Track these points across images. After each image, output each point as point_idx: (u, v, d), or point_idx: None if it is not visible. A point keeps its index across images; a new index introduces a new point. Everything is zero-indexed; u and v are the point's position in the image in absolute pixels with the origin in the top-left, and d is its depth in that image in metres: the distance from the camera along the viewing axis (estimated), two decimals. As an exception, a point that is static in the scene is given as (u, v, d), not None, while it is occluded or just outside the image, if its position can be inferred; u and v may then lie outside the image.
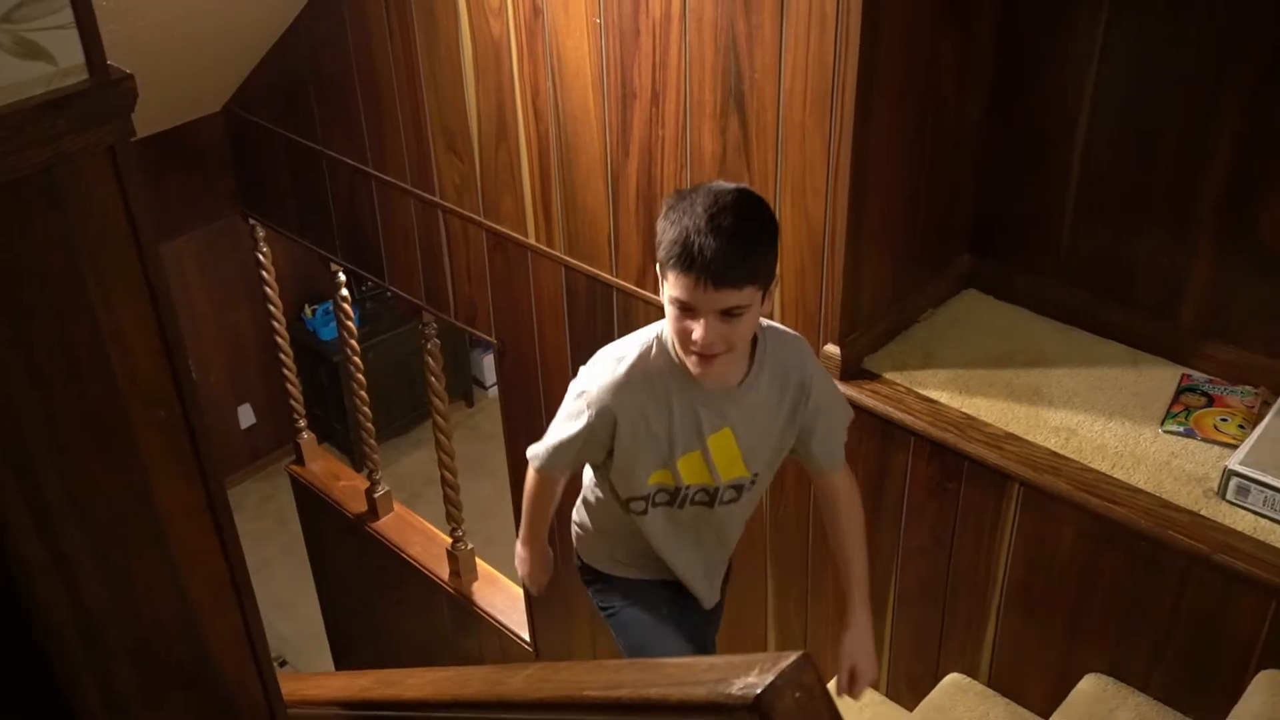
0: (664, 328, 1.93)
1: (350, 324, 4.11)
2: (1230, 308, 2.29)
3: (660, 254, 1.81)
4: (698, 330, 1.81)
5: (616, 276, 2.77)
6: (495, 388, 6.34)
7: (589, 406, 1.99)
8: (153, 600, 1.44)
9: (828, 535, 2.21)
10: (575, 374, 3.08)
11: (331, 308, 4.73)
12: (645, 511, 2.11)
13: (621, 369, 1.97)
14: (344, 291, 4.00)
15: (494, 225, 3.03)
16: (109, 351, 1.29)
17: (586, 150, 2.67)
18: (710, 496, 2.09)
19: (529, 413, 3.30)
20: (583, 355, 3.00)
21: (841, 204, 2.26)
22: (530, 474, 2.22)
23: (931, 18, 2.25)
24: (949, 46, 2.32)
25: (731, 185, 1.83)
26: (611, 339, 2.87)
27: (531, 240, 2.94)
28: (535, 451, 2.15)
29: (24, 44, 1.13)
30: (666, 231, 1.79)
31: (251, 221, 4.11)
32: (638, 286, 2.73)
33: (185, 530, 1.43)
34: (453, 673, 1.47)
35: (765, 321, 2.01)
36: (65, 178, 1.19)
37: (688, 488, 2.07)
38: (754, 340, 1.98)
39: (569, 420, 2.04)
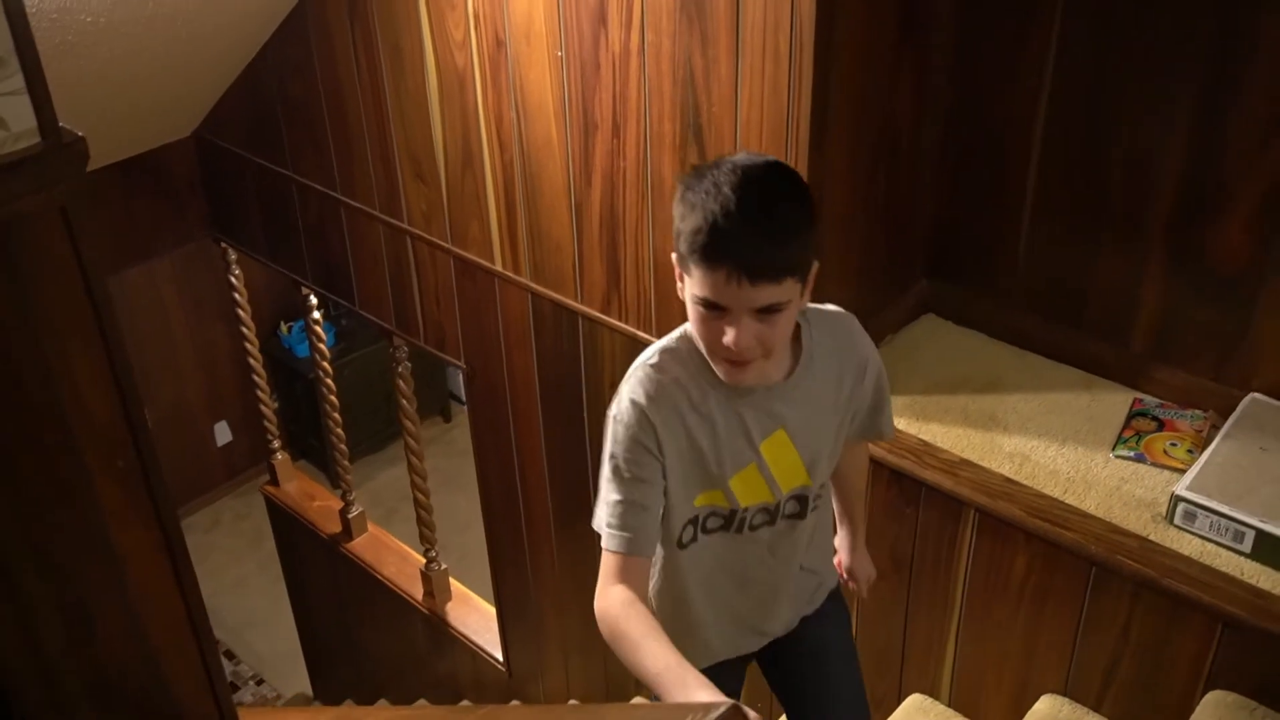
0: (689, 328, 1.66)
1: (322, 346, 4.12)
2: (1180, 332, 2.33)
3: (681, 246, 1.53)
4: (730, 334, 1.53)
5: (581, 303, 2.80)
6: (471, 404, 6.35)
7: (626, 427, 1.66)
8: (112, 644, 1.46)
9: (837, 479, 2.06)
10: (543, 396, 3.14)
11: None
12: (694, 540, 1.79)
13: (650, 373, 1.68)
14: (315, 314, 4.02)
15: (461, 252, 3.06)
16: (65, 404, 1.32)
17: (550, 179, 2.70)
18: (771, 515, 1.81)
19: (498, 435, 3.33)
20: (549, 379, 3.05)
21: (799, 234, 2.29)
22: (604, 581, 1.67)
23: (887, 45, 2.29)
24: (905, 72, 2.36)
25: (759, 157, 1.56)
26: (578, 364, 2.93)
27: (498, 267, 2.97)
28: (599, 523, 1.70)
29: (-24, 111, 1.15)
30: (686, 218, 1.51)
31: (223, 245, 4.13)
32: (602, 313, 2.76)
33: (143, 573, 1.46)
34: (410, 712, 1.49)
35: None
36: (18, 238, 1.21)
37: (745, 510, 1.78)
38: (795, 325, 1.71)
39: (610, 461, 1.68)
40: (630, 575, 1.67)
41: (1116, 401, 2.39)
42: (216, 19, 3.01)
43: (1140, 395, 2.39)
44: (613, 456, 1.68)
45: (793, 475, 1.78)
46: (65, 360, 1.29)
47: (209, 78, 3.46)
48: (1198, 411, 2.31)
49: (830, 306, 1.84)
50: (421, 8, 2.77)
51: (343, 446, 4.31)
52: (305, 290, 3.88)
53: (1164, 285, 2.32)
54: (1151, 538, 2.06)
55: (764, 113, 2.22)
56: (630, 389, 1.68)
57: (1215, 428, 2.25)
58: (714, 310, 1.54)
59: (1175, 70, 2.15)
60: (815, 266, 1.60)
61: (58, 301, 1.26)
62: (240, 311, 4.30)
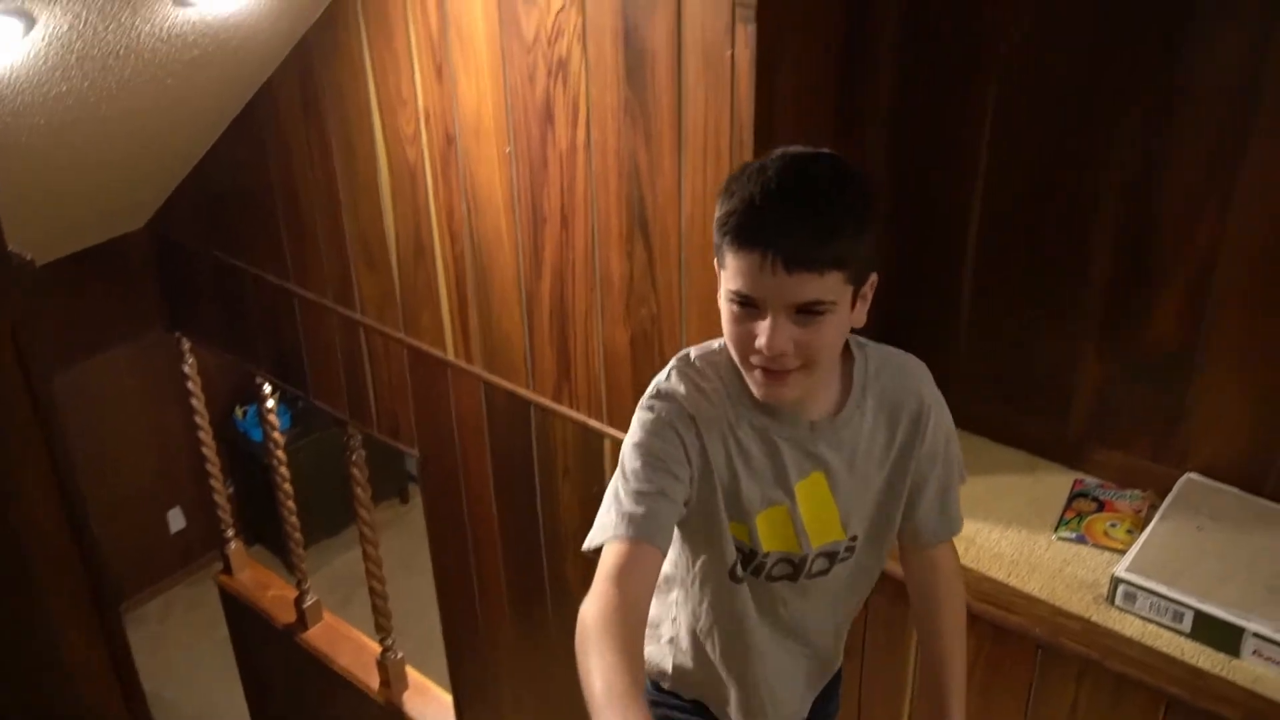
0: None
1: (276, 435, 4.12)
2: (1117, 413, 2.39)
3: (715, 233, 1.38)
4: (763, 334, 1.36)
5: (533, 393, 2.83)
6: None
7: (660, 415, 1.48)
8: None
9: (918, 626, 1.80)
10: (497, 484, 3.15)
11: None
12: (741, 581, 1.61)
13: (691, 372, 1.52)
14: (269, 403, 4.02)
15: (414, 341, 3.08)
16: (16, 524, 1.32)
17: (501, 271, 2.74)
18: (794, 569, 1.61)
19: (453, 521, 3.34)
20: (503, 466, 3.07)
21: (744, 324, 2.34)
22: (600, 581, 1.37)
23: (825, 138, 2.36)
24: (844, 169, 2.43)
25: (817, 149, 1.41)
26: (530, 452, 2.95)
27: (450, 356, 3.00)
28: (600, 528, 1.45)
29: (-75, 238, 1.18)
30: (724, 204, 1.37)
31: (177, 335, 4.13)
32: (554, 402, 2.79)
33: (92, 686, 1.46)
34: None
35: (862, 338, 1.59)
36: (-34, 360, 1.23)
37: (766, 556, 1.57)
38: (849, 356, 1.55)
39: (633, 452, 1.46)
40: (633, 574, 1.38)
41: (1058, 483, 2.44)
42: (171, 117, 3.05)
43: (1081, 476, 2.44)
44: (638, 446, 1.46)
45: (826, 528, 1.57)
46: (15, 480, 1.30)
47: (163, 172, 3.50)
48: (1136, 491, 2.36)
49: (895, 349, 1.64)
50: (373, 105, 2.83)
51: (298, 535, 4.29)
52: (260, 379, 3.88)
53: (1101, 367, 2.39)
54: (1094, 619, 2.10)
55: (707, 208, 2.28)
56: (670, 382, 1.51)
57: (1154, 507, 2.30)
58: (747, 306, 1.37)
59: (1106, 159, 2.23)
60: (873, 279, 1.43)
61: (6, 421, 1.27)
62: (194, 400, 4.29)
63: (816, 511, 1.55)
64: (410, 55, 2.67)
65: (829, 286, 1.34)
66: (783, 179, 1.33)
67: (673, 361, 1.55)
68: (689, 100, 2.21)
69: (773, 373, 1.40)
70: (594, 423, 2.72)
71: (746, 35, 2.07)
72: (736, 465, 1.51)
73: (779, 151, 1.39)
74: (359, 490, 3.79)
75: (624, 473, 1.47)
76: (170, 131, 3.19)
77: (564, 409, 2.77)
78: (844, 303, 1.38)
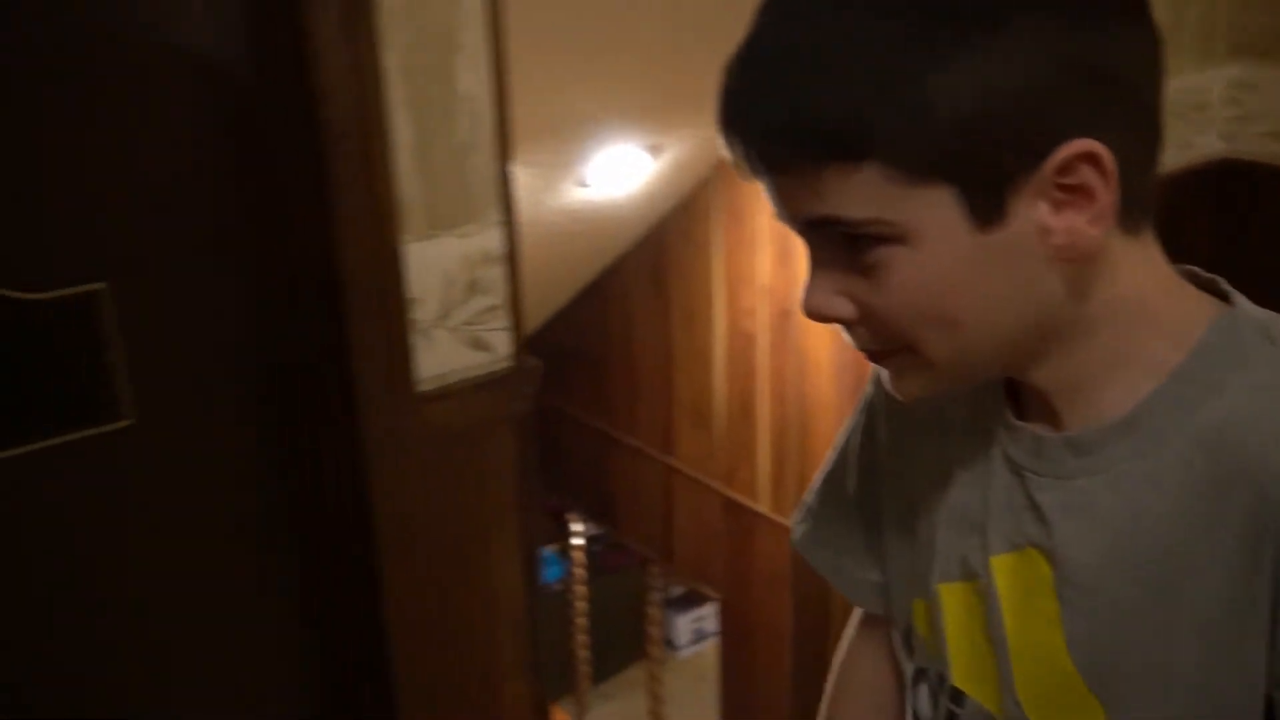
0: None
1: (580, 570, 4.40)
2: None
3: None
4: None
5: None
6: (687, 648, 6.44)
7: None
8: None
9: None
10: (796, 633, 3.32)
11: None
12: (914, 684, 0.90)
13: None
14: (577, 540, 4.35)
15: (730, 493, 3.38)
16: (490, 582, 1.65)
17: (823, 432, 3.01)
18: None
19: (745, 667, 3.54)
20: (803, 617, 3.26)
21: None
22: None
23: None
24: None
25: None
26: (828, 604, 3.15)
27: (763, 509, 3.28)
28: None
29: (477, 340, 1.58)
30: None
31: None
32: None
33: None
34: None
35: (1254, 312, 0.74)
36: (494, 436, 1.60)
37: (956, 697, 0.84)
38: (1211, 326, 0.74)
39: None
40: (865, 627, 1.04)
41: None
42: (534, 279, 3.53)
43: None
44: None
45: (1044, 678, 0.77)
46: (486, 548, 1.63)
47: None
48: None
49: None
50: (716, 281, 3.23)
51: (586, 668, 4.51)
52: (570, 516, 4.26)
53: None
54: None
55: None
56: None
57: None
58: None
59: None
60: (1078, 147, 0.67)
61: (496, 494, 1.62)
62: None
63: (1030, 632, 0.78)
64: (757, 242, 3.07)
65: (839, 191, 0.69)
66: (759, 25, 0.71)
67: None
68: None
69: (871, 352, 0.79)
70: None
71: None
72: (953, 489, 0.85)
73: None
74: (652, 629, 4.04)
75: None
76: (529, 291, 3.68)
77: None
78: (922, 224, 0.69)
